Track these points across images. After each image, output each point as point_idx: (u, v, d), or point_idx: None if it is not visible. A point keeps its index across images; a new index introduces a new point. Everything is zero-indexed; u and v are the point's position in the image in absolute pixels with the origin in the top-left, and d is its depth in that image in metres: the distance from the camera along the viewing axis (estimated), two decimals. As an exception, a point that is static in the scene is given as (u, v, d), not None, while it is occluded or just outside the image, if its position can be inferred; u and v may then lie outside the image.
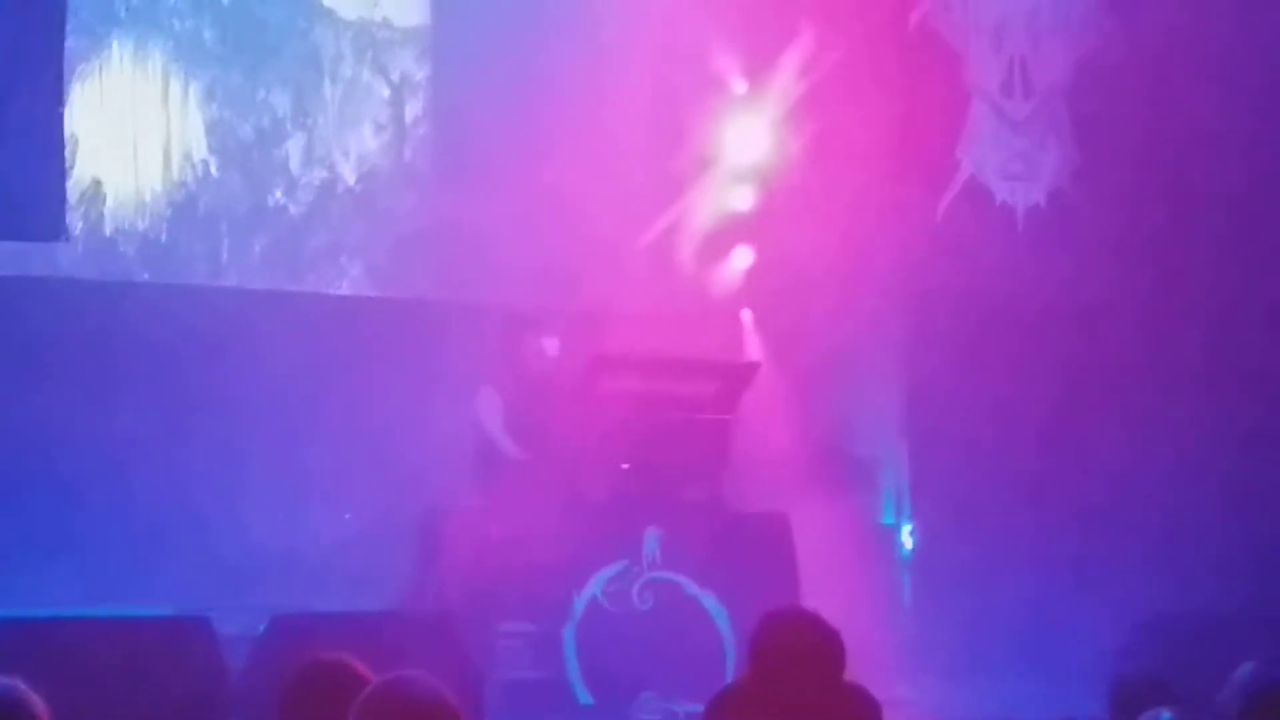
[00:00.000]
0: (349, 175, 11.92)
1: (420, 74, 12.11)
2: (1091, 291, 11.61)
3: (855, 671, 4.75)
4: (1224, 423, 11.38)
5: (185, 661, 7.67)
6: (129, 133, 11.22)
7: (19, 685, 3.23)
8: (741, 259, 12.14)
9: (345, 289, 11.85)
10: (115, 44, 11.17)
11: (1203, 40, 11.53)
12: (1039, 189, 12.21)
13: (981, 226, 11.94)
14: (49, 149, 10.45)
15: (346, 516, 10.91)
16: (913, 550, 12.05)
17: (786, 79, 11.86)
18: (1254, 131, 11.51)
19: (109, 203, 11.16)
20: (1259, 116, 11.57)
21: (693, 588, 9.46)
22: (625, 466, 9.56)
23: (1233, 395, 11.46)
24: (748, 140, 12.11)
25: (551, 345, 9.97)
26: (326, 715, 4.23)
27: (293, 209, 11.76)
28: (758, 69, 12.00)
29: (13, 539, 10.03)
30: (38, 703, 3.22)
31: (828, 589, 8.89)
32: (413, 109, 12.10)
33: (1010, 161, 12.22)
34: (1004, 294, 11.59)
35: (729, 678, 9.02)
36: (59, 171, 10.59)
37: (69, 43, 10.71)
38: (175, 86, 11.40)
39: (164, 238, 11.34)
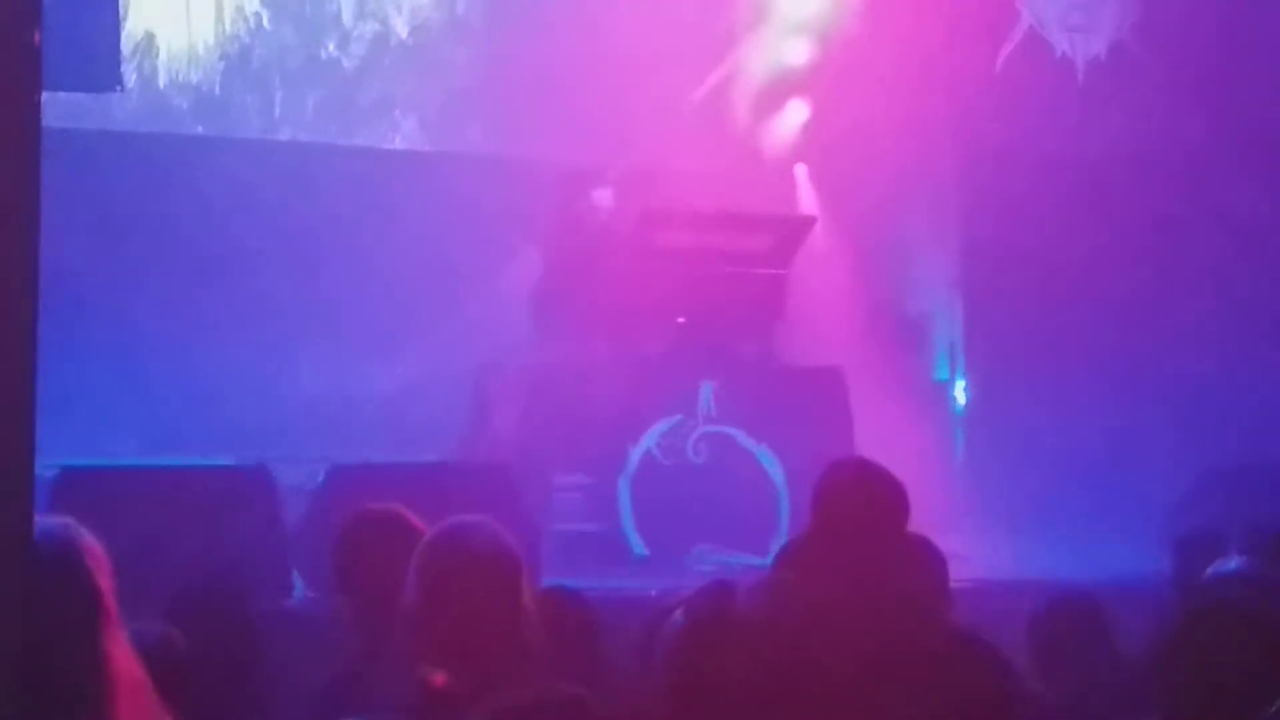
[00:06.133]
0: (401, 28, 11.84)
1: (472, -75, 12.00)
2: (1151, 145, 11.49)
3: (910, 525, 4.73)
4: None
5: (244, 511, 7.71)
6: (181, -16, 11.18)
7: (74, 525, 3.25)
8: (796, 113, 12.03)
9: (398, 143, 11.82)
10: (166, -106, 11.10)
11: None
12: (1100, 40, 12.06)
13: (1041, 79, 11.81)
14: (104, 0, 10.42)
15: (399, 370, 10.96)
16: (966, 406, 12.04)
17: (843, -71, 11.70)
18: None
19: (162, 55, 11.13)
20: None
21: (747, 441, 9.47)
22: (680, 320, 9.55)
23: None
24: (803, -8, 11.97)
25: (604, 197, 9.93)
26: (379, 564, 4.26)
27: (345, 62, 11.71)
28: (814, -81, 11.84)
29: (72, 389, 10.10)
30: (93, 543, 3.24)
31: (880, 443, 8.88)
32: (465, -39, 11.99)
33: (1070, 12, 12.06)
34: (1062, 147, 11.47)
35: (784, 530, 9.06)
36: (113, 22, 10.56)
37: (120, -106, 10.65)
38: (226, -63, 11.33)
39: (217, 91, 11.32)
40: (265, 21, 11.45)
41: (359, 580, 4.37)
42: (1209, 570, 4.23)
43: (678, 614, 2.88)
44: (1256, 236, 11.46)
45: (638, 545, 9.28)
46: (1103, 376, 11.55)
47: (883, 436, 9.21)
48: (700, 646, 2.77)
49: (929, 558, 4.64)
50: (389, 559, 4.19)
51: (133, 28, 10.95)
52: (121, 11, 10.76)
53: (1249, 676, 3.54)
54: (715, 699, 2.78)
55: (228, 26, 11.33)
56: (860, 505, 4.34)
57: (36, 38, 2.61)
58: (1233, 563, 4.25)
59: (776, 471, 9.40)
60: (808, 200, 11.91)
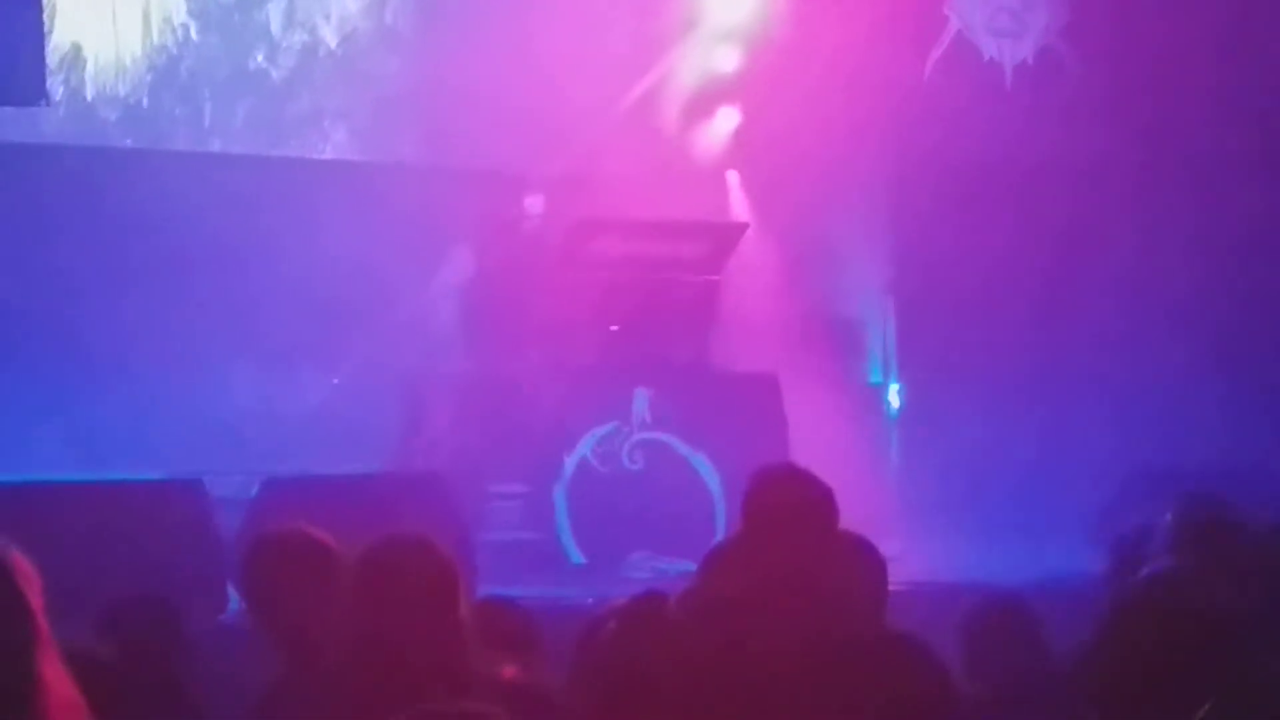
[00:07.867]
0: (330, 38, 11.81)
1: (400, -66, 11.98)
2: (1080, 149, 11.58)
3: (844, 528, 4.74)
4: (1214, 280, 11.42)
5: (178, 525, 7.67)
6: (108, -5, 11.11)
7: (4, 542, 3.21)
8: (726, 120, 12.06)
9: (328, 153, 11.79)
10: (93, -95, 11.03)
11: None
12: (1027, 45, 12.14)
13: (969, 83, 11.89)
14: (27, 12, 10.34)
15: (334, 380, 10.93)
16: (900, 409, 12.09)
17: (771, -64, 11.74)
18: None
19: (89, 67, 11.06)
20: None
21: (683, 447, 9.50)
22: (613, 328, 9.56)
23: (1221, 253, 11.50)
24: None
25: (536, 205, 9.94)
26: (287, 586, 4.23)
27: (274, 73, 11.67)
28: (742, -74, 11.87)
29: (1, 405, 10.04)
30: (23, 561, 3.20)
31: (816, 448, 8.91)
32: (393, -30, 11.97)
33: (997, 16, 12.14)
34: (991, 151, 11.55)
35: (719, 536, 9.06)
36: (37, 35, 10.48)
37: (46, -95, 10.58)
38: (154, -52, 11.26)
39: (146, 103, 11.26)
40: (193, 32, 11.39)
41: (270, 604, 4.31)
42: (1142, 571, 4.27)
43: (611, 624, 2.89)
44: (1184, 239, 11.57)
45: (574, 553, 9.29)
46: (1034, 378, 11.64)
47: (817, 441, 9.25)
48: (630, 654, 2.78)
49: (867, 559, 4.64)
50: (297, 579, 4.17)
51: (59, 40, 10.87)
52: (47, 24, 10.68)
53: (1180, 674, 3.57)
54: (646, 705, 2.79)
55: (155, 38, 11.26)
56: (785, 508, 4.35)
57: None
58: (1165, 562, 4.29)
59: (712, 477, 9.43)
60: (739, 206, 11.94)
